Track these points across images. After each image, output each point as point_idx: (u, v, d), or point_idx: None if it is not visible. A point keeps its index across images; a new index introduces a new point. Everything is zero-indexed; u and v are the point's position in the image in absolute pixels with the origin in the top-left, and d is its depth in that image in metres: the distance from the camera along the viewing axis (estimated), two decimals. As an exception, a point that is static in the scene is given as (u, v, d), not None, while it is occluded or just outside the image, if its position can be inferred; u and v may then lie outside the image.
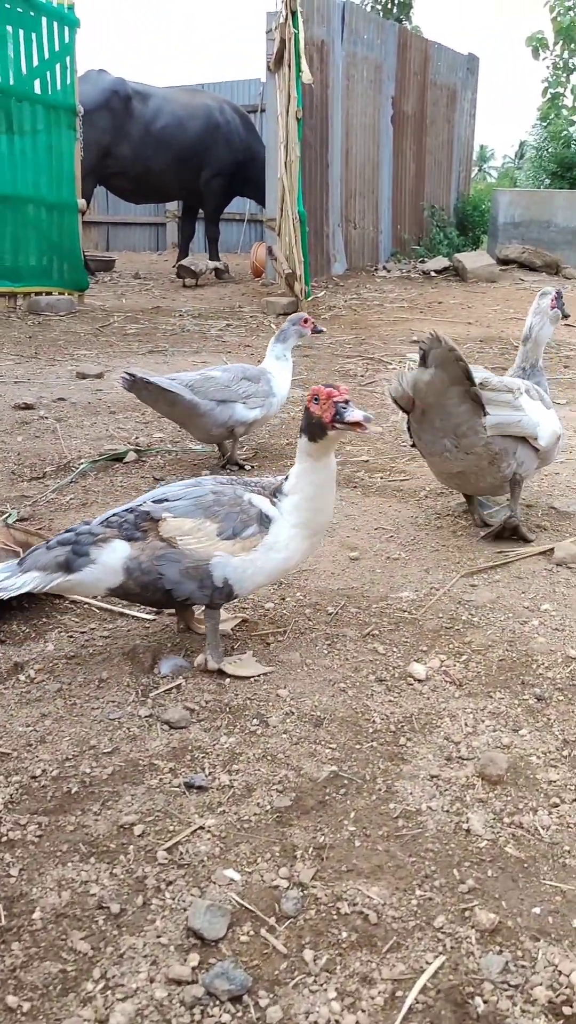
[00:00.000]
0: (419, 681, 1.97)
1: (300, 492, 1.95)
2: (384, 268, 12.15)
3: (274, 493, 2.00)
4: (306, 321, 3.54)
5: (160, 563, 1.88)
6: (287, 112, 8.38)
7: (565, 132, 18.75)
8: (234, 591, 1.95)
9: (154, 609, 2.22)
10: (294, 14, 7.81)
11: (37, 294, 8.28)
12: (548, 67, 22.15)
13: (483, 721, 1.82)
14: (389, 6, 21.86)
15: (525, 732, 1.78)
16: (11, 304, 8.18)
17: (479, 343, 6.93)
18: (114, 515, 1.95)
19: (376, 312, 8.70)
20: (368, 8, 21.32)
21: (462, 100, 14.01)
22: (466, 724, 1.80)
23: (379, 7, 21.67)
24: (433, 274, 11.61)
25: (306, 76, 8.07)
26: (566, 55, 22.02)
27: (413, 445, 2.75)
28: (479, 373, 2.57)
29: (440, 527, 2.90)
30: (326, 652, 2.10)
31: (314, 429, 1.84)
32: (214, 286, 10.78)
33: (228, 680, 1.94)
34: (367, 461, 3.58)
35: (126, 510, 1.96)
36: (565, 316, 2.93)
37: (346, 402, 1.79)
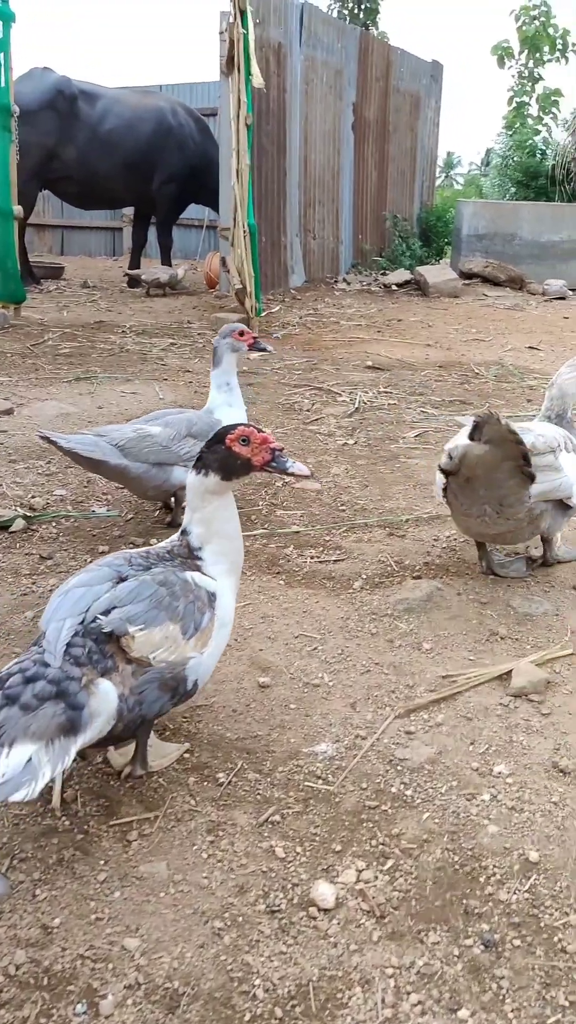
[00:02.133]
0: (325, 911, 1.44)
1: (217, 535, 1.79)
2: (344, 280, 11.66)
3: (190, 554, 1.79)
4: (241, 334, 3.06)
5: (142, 688, 1.60)
6: (237, 117, 7.85)
7: (530, 141, 18.46)
8: (196, 691, 1.73)
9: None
10: (243, 13, 7.28)
11: (-36, 309, 7.64)
12: (513, 76, 21.97)
13: (408, 993, 1.29)
14: (356, 11, 21.48)
15: (466, 1015, 1.26)
16: None
17: (438, 369, 6.44)
18: (72, 643, 1.55)
19: (332, 331, 8.19)
20: (334, 14, 20.93)
21: (426, 107, 13.58)
22: (384, 1000, 1.28)
23: (345, 12, 21.27)
24: (395, 288, 11.15)
25: (256, 79, 7.54)
26: (531, 64, 21.83)
27: (445, 501, 2.55)
28: (527, 436, 2.40)
29: (375, 633, 2.37)
30: (205, 857, 1.56)
31: (235, 469, 1.74)
32: (166, 297, 10.21)
33: (58, 922, 1.40)
34: (298, 533, 3.05)
35: (79, 634, 1.57)
36: None
37: (280, 450, 1.74)
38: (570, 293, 10.86)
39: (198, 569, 1.77)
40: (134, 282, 10.44)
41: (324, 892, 1.47)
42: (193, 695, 1.74)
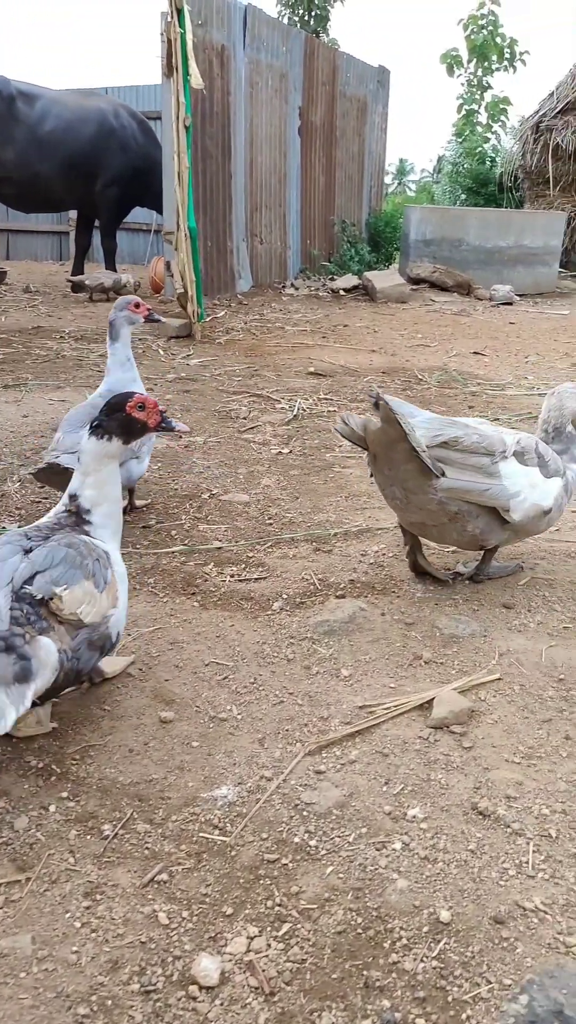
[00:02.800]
0: (207, 990, 1.27)
1: (106, 498, 1.93)
2: (292, 285, 11.54)
3: (80, 519, 1.91)
4: (137, 306, 3.06)
5: (77, 646, 1.75)
6: (177, 119, 7.67)
7: (480, 149, 18.60)
8: (116, 645, 1.91)
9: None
10: (180, 12, 7.11)
11: None
12: (463, 84, 22.16)
13: None
14: (306, 18, 21.46)
15: None
16: None
17: (381, 375, 6.33)
18: (10, 611, 1.67)
19: (276, 336, 8.04)
20: (285, 21, 20.88)
21: (373, 113, 13.54)
22: None
23: (296, 19, 21.24)
24: (342, 293, 11.06)
25: (195, 80, 7.37)
26: (480, 73, 22.04)
27: (371, 475, 2.50)
28: (451, 430, 2.38)
29: (292, 659, 2.21)
30: (78, 926, 1.38)
31: (135, 432, 1.92)
32: (109, 302, 9.97)
33: None
34: (220, 549, 2.88)
35: (14, 602, 1.69)
36: None
37: (165, 411, 1.95)
38: (517, 298, 10.87)
39: (87, 534, 1.89)
40: (78, 287, 10.20)
41: (207, 967, 1.30)
42: (111, 650, 1.90)
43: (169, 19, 7.25)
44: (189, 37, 7.31)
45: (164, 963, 1.32)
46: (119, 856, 1.54)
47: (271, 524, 3.12)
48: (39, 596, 1.69)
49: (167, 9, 7.45)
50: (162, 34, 8.81)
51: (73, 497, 1.93)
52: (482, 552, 2.63)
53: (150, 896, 1.45)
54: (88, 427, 1.94)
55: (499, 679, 2.12)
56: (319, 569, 2.72)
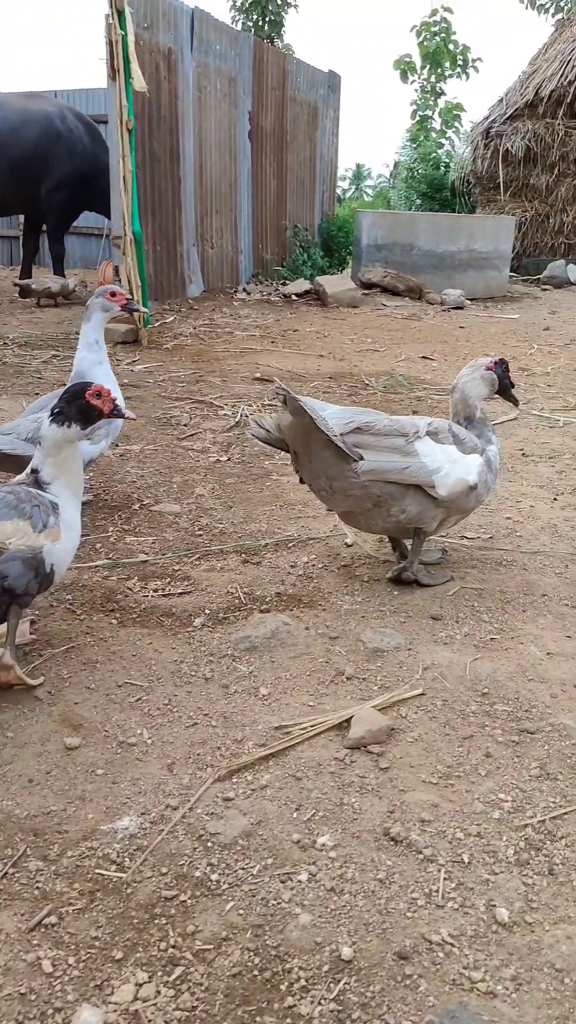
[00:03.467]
0: (87, 1046, 1.19)
1: (65, 473, 2.15)
2: (244, 290, 11.47)
3: (37, 484, 2.15)
4: (113, 295, 3.19)
5: (5, 563, 1.98)
6: (121, 122, 7.57)
7: (434, 154, 18.74)
8: (55, 576, 2.11)
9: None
10: (121, 14, 7.01)
11: None
12: (416, 90, 22.34)
13: None
14: (260, 23, 21.46)
15: None
16: None
17: (328, 380, 6.28)
18: None
19: (224, 341, 7.96)
20: (238, 26, 20.85)
21: (324, 118, 13.53)
22: None
23: (250, 24, 21.23)
24: (294, 298, 11.01)
25: (138, 83, 7.27)
26: (433, 79, 22.23)
27: (301, 481, 2.59)
28: (363, 416, 2.47)
29: (210, 678, 2.13)
30: (-47, 979, 1.29)
31: (93, 418, 2.11)
32: (57, 307, 9.82)
33: None
34: (145, 563, 2.79)
35: None
36: (506, 388, 2.75)
37: (115, 400, 2.14)
38: (468, 303, 10.92)
39: (43, 491, 2.13)
40: (25, 292, 10.03)
41: (88, 1020, 1.21)
42: (53, 580, 2.10)
43: (110, 21, 7.15)
44: (131, 39, 7.22)
45: (43, 1016, 1.24)
46: (7, 898, 1.45)
47: (201, 535, 3.04)
48: None
49: (108, 11, 7.36)
50: (105, 36, 8.71)
51: (35, 471, 2.16)
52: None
53: (36, 941, 1.36)
54: (49, 414, 2.10)
55: (422, 694, 2.06)
56: (246, 582, 2.65)
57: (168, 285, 10.36)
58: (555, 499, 3.47)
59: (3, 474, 3.02)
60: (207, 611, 2.46)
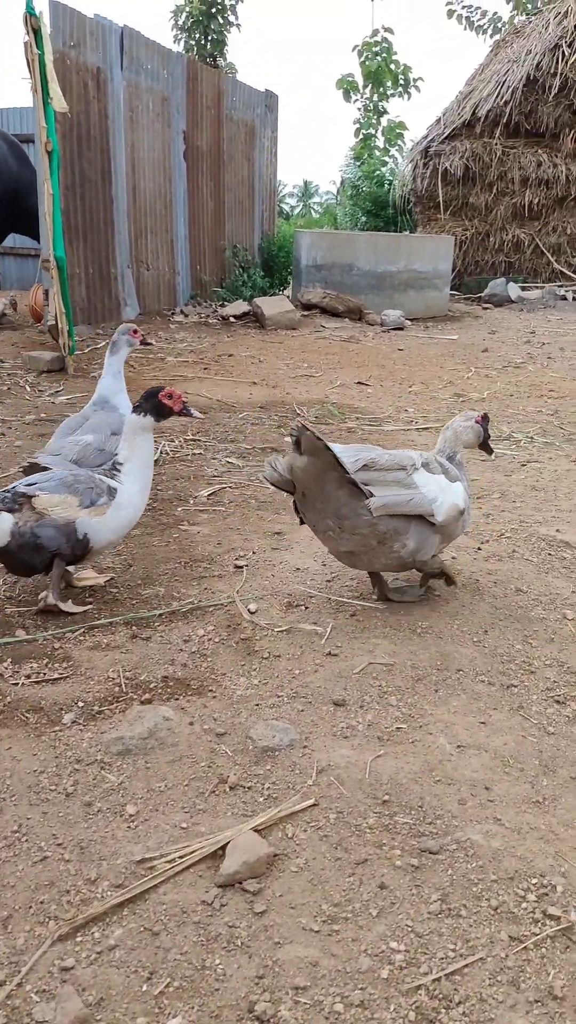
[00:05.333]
0: None
1: (136, 457, 2.70)
2: (182, 312, 11.21)
3: (113, 468, 2.71)
4: (135, 332, 3.83)
5: (38, 527, 2.52)
6: (42, 143, 7.28)
7: (378, 172, 18.75)
8: (91, 544, 2.60)
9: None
10: (37, 33, 6.73)
11: None
12: (359, 108, 22.42)
13: None
14: (203, 42, 21.34)
15: None
16: None
17: (258, 410, 6.04)
18: None
19: (155, 368, 7.69)
20: (180, 45, 20.68)
21: (262, 137, 13.37)
22: None
23: (192, 43, 21.09)
24: (232, 320, 10.80)
25: (57, 103, 6.99)
26: (376, 98, 22.33)
27: (302, 522, 2.66)
28: (366, 452, 2.59)
29: (72, 792, 1.85)
30: None
31: (164, 413, 2.66)
32: (-16, 332, 9.46)
33: None
34: (22, 641, 2.50)
35: (3, 491, 2.57)
36: (485, 441, 2.92)
37: (186, 402, 2.70)
38: (408, 323, 10.81)
39: (112, 478, 2.68)
40: (-51, 317, 9.66)
41: None
42: (87, 548, 2.62)
43: (25, 39, 6.87)
44: (49, 59, 6.94)
45: None
46: None
47: (91, 603, 2.76)
48: (22, 492, 2.56)
49: (24, 29, 7.07)
50: (25, 55, 8.42)
51: (115, 455, 2.76)
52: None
53: None
54: (134, 408, 2.69)
55: (314, 805, 1.81)
56: (131, 663, 2.37)
57: (102, 308, 10.07)
58: (479, 548, 3.26)
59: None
60: (81, 703, 2.17)
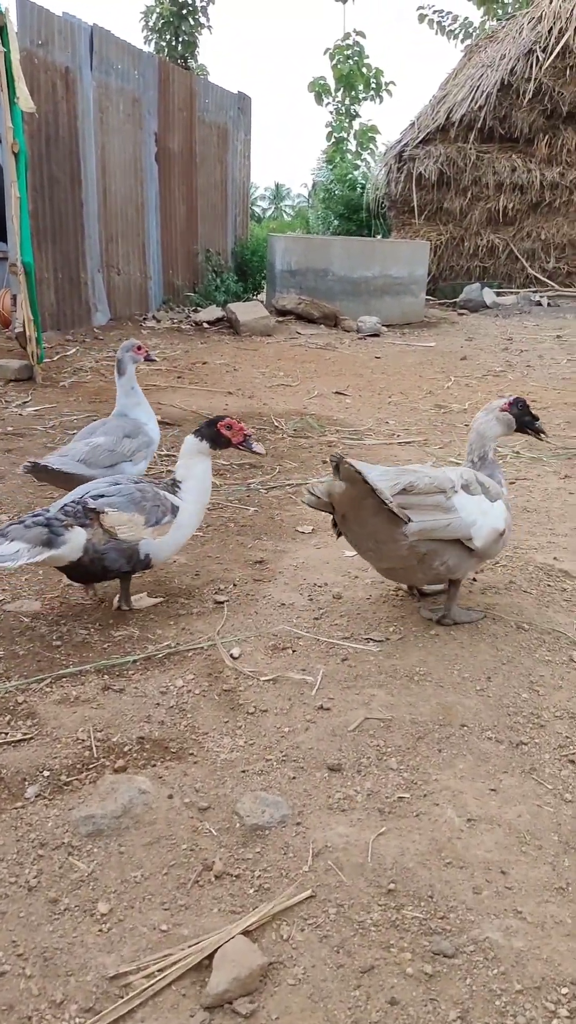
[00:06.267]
0: None
1: (193, 478, 2.76)
2: (154, 317, 10.97)
3: (173, 485, 2.77)
4: (139, 348, 3.81)
5: (106, 548, 2.54)
6: (8, 144, 7.01)
7: (350, 175, 18.61)
8: (151, 561, 2.68)
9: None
10: (2, 30, 6.47)
11: None
12: (331, 112, 22.29)
13: None
14: (174, 43, 21.08)
15: None
16: None
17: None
18: (67, 506, 2.55)
19: (128, 378, 7.43)
20: (152, 45, 20.40)
21: (235, 140, 13.15)
22: None
23: (163, 44, 20.82)
24: (206, 325, 10.56)
25: (24, 103, 6.73)
26: (347, 101, 22.22)
27: (339, 535, 2.61)
28: (405, 477, 2.55)
29: (34, 886, 1.62)
30: None
31: (220, 443, 2.70)
32: (-51, 340, 9.14)
33: None
34: (-17, 693, 2.26)
35: (74, 503, 2.57)
36: (528, 425, 2.80)
37: (250, 436, 2.73)
38: (384, 329, 10.65)
39: (173, 493, 2.72)
40: None
41: None
42: (148, 565, 2.67)
43: (-9, 36, 6.59)
44: (15, 57, 6.68)
45: None
46: None
47: (59, 647, 2.53)
48: (92, 507, 2.54)
49: None
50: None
51: (175, 479, 2.78)
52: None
53: None
54: (193, 432, 2.73)
55: (311, 897, 1.60)
56: (103, 721, 2.14)
57: (72, 314, 9.81)
58: (474, 580, 3.08)
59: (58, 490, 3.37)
60: (47, 771, 1.94)
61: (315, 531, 3.61)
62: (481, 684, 2.35)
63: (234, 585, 3.00)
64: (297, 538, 3.54)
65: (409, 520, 2.44)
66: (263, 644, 2.56)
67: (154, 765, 1.97)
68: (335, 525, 2.56)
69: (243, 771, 1.95)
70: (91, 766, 1.96)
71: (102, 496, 2.59)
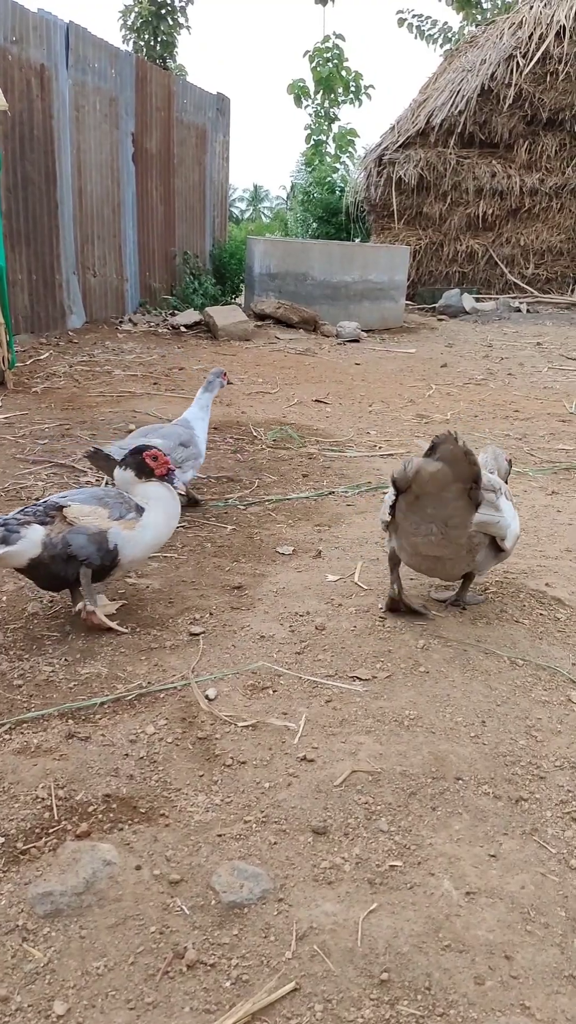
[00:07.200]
0: None
1: (154, 497, 2.77)
2: (130, 320, 10.75)
3: (138, 508, 2.74)
4: (224, 375, 4.19)
5: (69, 536, 2.53)
6: (-21, 141, 6.79)
7: (329, 178, 18.48)
8: (119, 556, 2.64)
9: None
10: (-27, 21, 6.25)
11: None
12: (310, 114, 22.16)
13: None
14: (152, 43, 20.84)
15: None
16: None
17: (212, 430, 5.63)
18: (26, 508, 2.60)
19: (102, 383, 7.24)
20: (129, 45, 20.15)
21: (213, 141, 12.97)
22: None
23: (142, 44, 20.59)
24: (183, 329, 10.36)
25: (-4, 100, 6.51)
26: (327, 104, 22.10)
27: (387, 526, 2.68)
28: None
29: (-13, 978, 1.44)
30: None
31: (145, 473, 2.75)
32: None
33: None
34: None
35: (35, 503, 2.64)
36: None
37: (173, 470, 2.79)
38: (364, 335, 10.51)
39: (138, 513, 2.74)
40: None
41: None
42: (117, 559, 2.63)
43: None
44: (-14, 51, 6.45)
45: None
46: None
47: (20, 687, 2.34)
48: (54, 503, 2.59)
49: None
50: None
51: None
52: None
53: None
54: (120, 462, 2.80)
55: (295, 991, 1.43)
56: (66, 775, 1.96)
57: (46, 316, 9.57)
58: (464, 609, 2.92)
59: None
60: (2, 838, 1.75)
61: (296, 552, 3.45)
62: (476, 729, 2.19)
63: (211, 614, 2.82)
64: (277, 559, 3.37)
65: (479, 507, 2.53)
66: (241, 683, 2.38)
67: (121, 829, 1.79)
68: (392, 508, 2.60)
69: (219, 835, 1.78)
70: (51, 830, 1.78)
71: (65, 496, 2.67)
